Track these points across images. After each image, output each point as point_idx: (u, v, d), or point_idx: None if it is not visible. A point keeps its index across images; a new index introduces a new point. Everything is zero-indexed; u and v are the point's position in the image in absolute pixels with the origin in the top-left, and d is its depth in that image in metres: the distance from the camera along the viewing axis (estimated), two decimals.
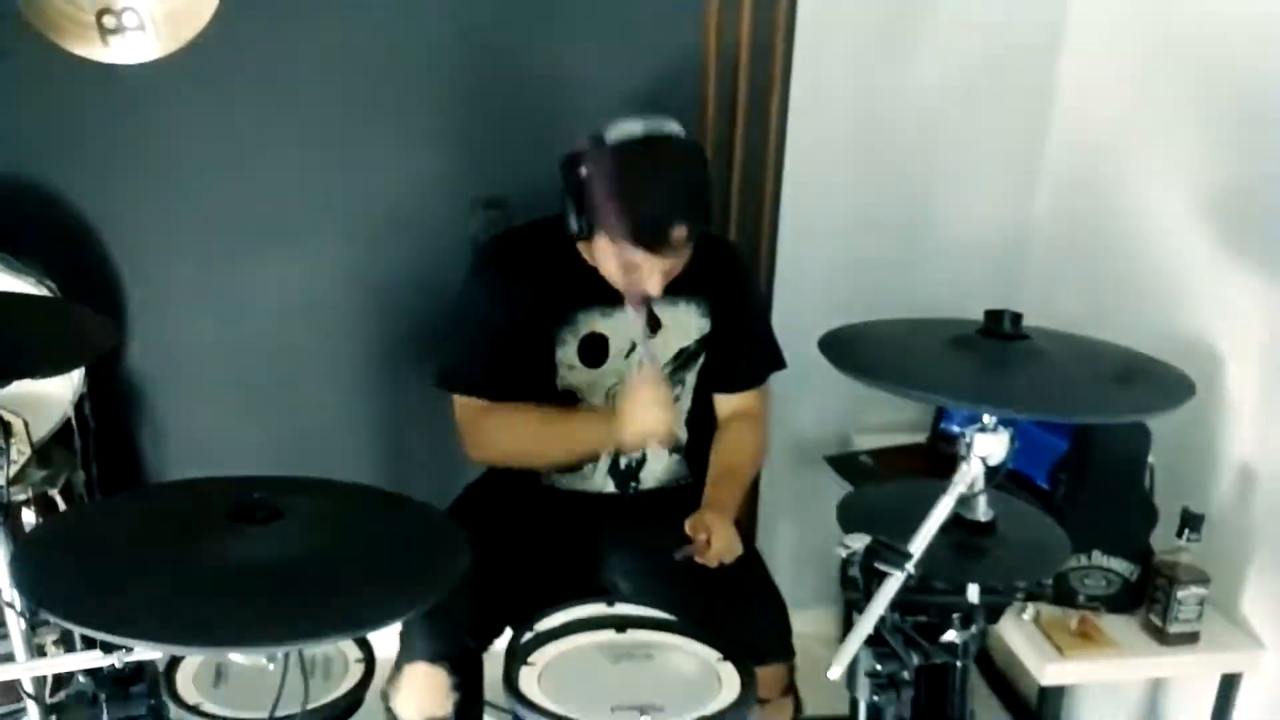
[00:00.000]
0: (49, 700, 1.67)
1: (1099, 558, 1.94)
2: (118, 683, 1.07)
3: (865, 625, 1.13)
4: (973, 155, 2.56)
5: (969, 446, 1.19)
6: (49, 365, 1.52)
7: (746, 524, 2.49)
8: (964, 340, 1.25)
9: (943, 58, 2.47)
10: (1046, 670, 1.85)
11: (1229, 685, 1.94)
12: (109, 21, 2.17)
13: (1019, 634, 1.92)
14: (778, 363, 2.05)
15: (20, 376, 1.39)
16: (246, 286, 2.41)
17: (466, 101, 2.35)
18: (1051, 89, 2.53)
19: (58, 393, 2.18)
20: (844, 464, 2.49)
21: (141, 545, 1.05)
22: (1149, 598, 1.92)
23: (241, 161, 2.32)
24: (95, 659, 1.05)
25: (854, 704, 1.24)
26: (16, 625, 1.46)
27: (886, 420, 2.69)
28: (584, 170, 1.73)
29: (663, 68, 2.35)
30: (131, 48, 2.20)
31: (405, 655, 1.73)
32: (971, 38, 2.47)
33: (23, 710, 2.01)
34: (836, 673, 1.13)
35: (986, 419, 1.18)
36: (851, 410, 2.70)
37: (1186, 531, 1.87)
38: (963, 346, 1.24)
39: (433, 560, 1.11)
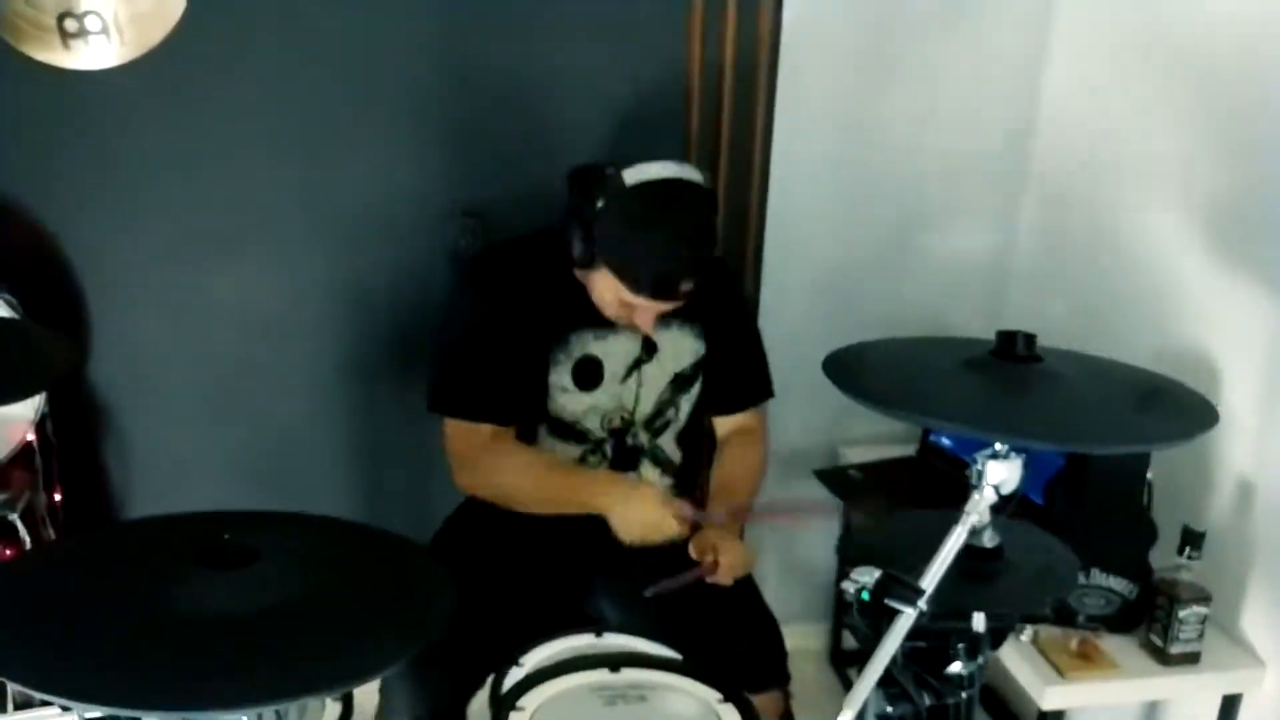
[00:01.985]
0: None
1: (1098, 576, 1.90)
2: None
3: (877, 666, 1.07)
4: (958, 169, 2.54)
5: (980, 474, 1.14)
6: (8, 390, 1.44)
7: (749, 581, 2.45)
8: (976, 363, 1.19)
9: (927, 72, 2.44)
10: (1046, 693, 1.80)
11: (1230, 705, 1.90)
12: (70, 25, 2.09)
13: (1017, 656, 1.87)
14: (765, 389, 2.03)
15: None
16: (214, 299, 2.34)
17: (443, 108, 2.29)
18: (1036, 102, 2.50)
19: (18, 412, 2.10)
20: (833, 478, 2.44)
21: (101, 596, 0.97)
22: (1149, 617, 1.88)
23: (208, 171, 2.26)
24: (54, 715, 0.97)
25: None
26: None
27: (874, 432, 2.65)
28: (600, 203, 1.68)
29: (647, 81, 2.30)
30: (94, 53, 2.12)
31: (386, 714, 1.68)
32: (956, 52, 2.44)
33: None
34: (849, 716, 1.06)
35: (998, 445, 1.12)
36: (838, 422, 2.67)
37: (1188, 549, 1.83)
38: (975, 369, 1.19)
39: (417, 605, 1.04)
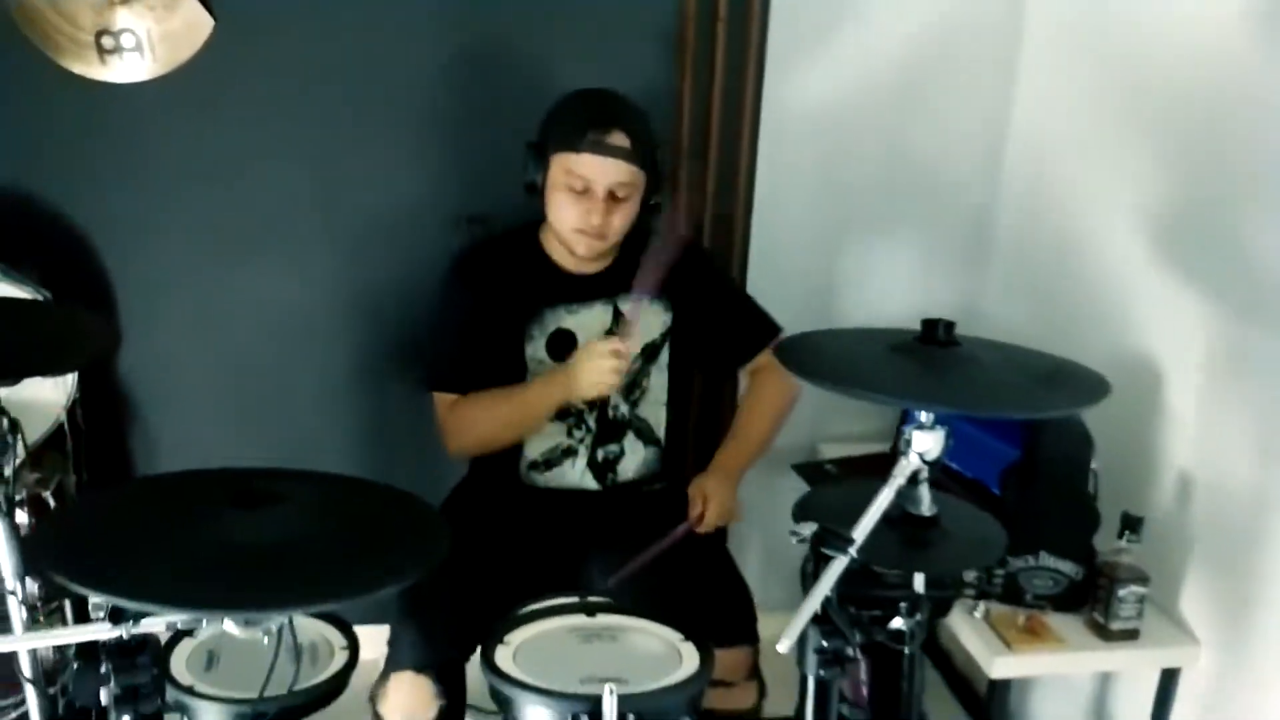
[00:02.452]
0: (48, 691, 1.74)
1: (1046, 559, 2.04)
2: (123, 653, 1.16)
3: (811, 603, 1.23)
4: (932, 171, 2.68)
5: (908, 443, 1.30)
6: (52, 365, 1.61)
7: (721, 538, 2.59)
8: (903, 347, 1.36)
9: (903, 74, 2.59)
10: (995, 663, 1.95)
11: (1169, 679, 2.04)
12: (107, 42, 2.26)
13: (970, 630, 2.02)
14: (770, 329, 2.19)
15: (25, 375, 1.48)
16: (236, 296, 2.50)
17: (451, 120, 2.45)
18: (1008, 105, 2.65)
19: (51, 398, 2.25)
20: (810, 471, 2.59)
21: (151, 525, 1.16)
22: (1092, 596, 2.02)
23: (232, 176, 2.42)
24: (104, 630, 1.14)
25: (803, 679, 1.34)
26: (18, 610, 1.55)
27: (852, 430, 2.80)
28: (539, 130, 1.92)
29: (641, 89, 2.45)
30: (128, 68, 2.29)
31: (392, 664, 1.83)
32: (930, 54, 2.59)
33: (22, 702, 2.10)
34: (785, 646, 1.23)
35: (924, 417, 1.28)
36: (819, 421, 2.81)
37: (1127, 533, 1.97)
38: (902, 352, 1.36)
39: (417, 542, 1.21)
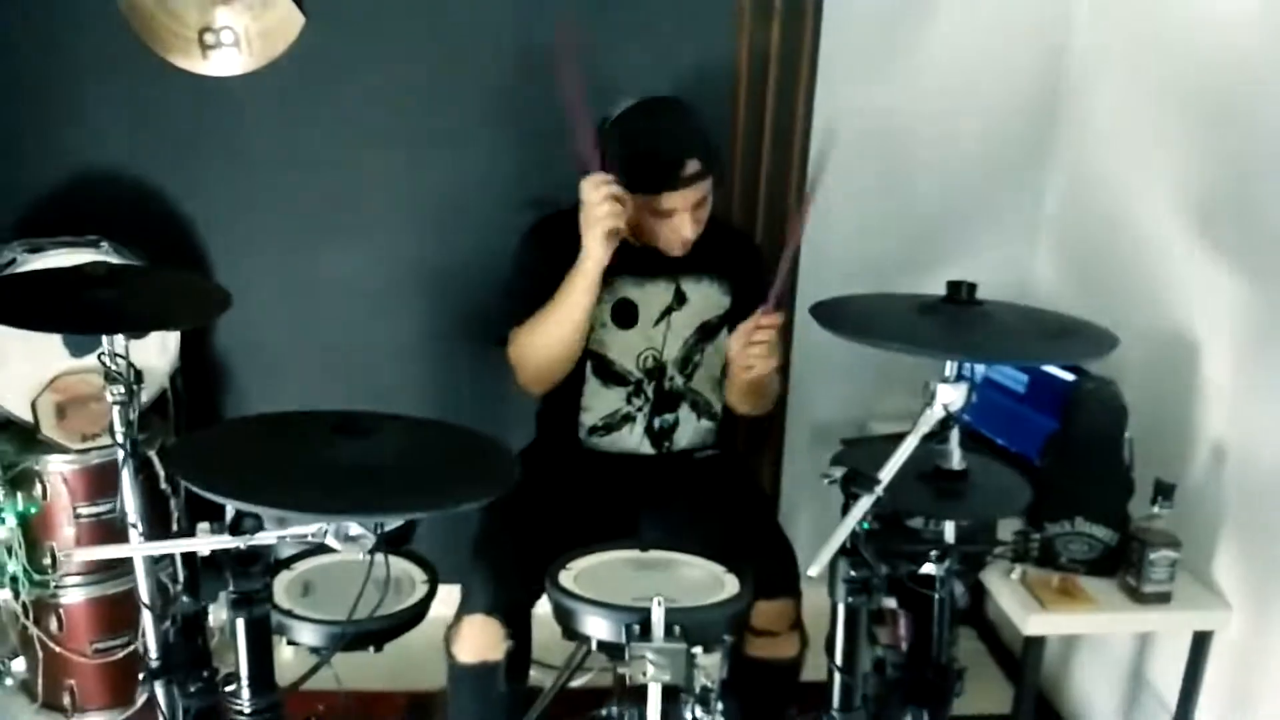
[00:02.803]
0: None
1: (1081, 524, 2.13)
2: (241, 562, 1.34)
3: (840, 535, 1.36)
4: (985, 160, 2.78)
5: (933, 395, 1.42)
6: (185, 318, 1.81)
7: (768, 501, 2.71)
8: (929, 306, 1.49)
9: (955, 69, 2.69)
10: (1029, 621, 2.04)
11: (1201, 642, 2.11)
12: (209, 38, 2.46)
13: (1007, 591, 2.12)
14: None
15: (164, 327, 1.68)
16: (320, 273, 2.69)
17: (518, 110, 2.61)
18: (1055, 97, 2.74)
19: (157, 365, 2.45)
20: (869, 456, 2.68)
21: (270, 447, 1.38)
22: (1126, 561, 2.11)
23: (319, 161, 2.61)
24: (226, 540, 1.32)
25: (834, 606, 1.48)
26: (138, 540, 1.74)
27: (902, 407, 2.87)
28: (601, 148, 1.97)
29: (699, 84, 2.58)
30: (227, 61, 2.49)
31: (464, 607, 1.97)
32: (979, 53, 2.69)
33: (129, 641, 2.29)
34: (815, 570, 1.36)
35: (948, 370, 1.41)
36: (870, 398, 2.90)
37: (1159, 499, 2.05)
38: (928, 311, 1.48)
39: (490, 471, 1.40)
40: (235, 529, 1.31)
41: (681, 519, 2.07)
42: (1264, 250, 2.04)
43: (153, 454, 2.41)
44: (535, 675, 2.15)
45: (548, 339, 2.06)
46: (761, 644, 2.01)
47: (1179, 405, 2.22)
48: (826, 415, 2.91)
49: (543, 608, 1.84)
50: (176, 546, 1.35)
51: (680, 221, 2.03)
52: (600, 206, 1.91)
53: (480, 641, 1.95)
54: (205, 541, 1.33)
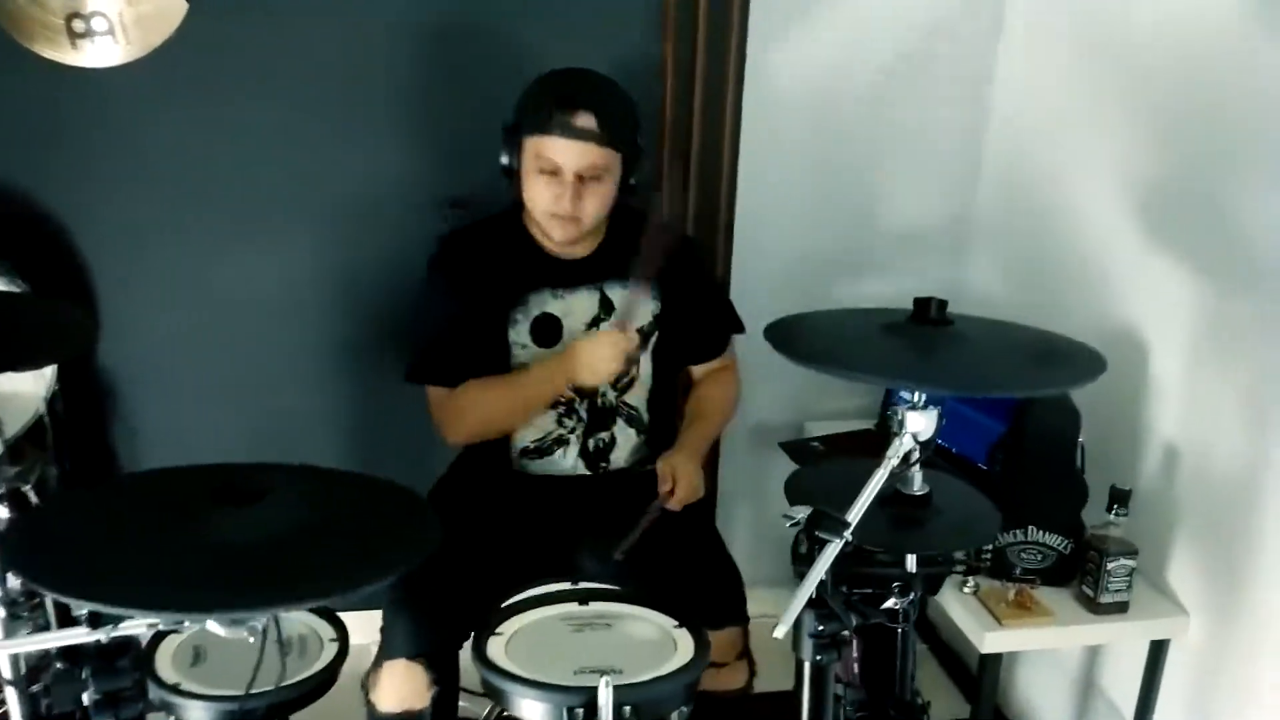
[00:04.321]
0: (29, 690, 1.72)
1: (1034, 533, 2.05)
2: (103, 657, 1.14)
3: (807, 588, 1.22)
4: (916, 150, 2.69)
5: (901, 424, 1.29)
6: (29, 359, 1.59)
7: (705, 505, 2.59)
8: (895, 327, 1.36)
9: (887, 53, 2.58)
10: (986, 639, 1.96)
11: (1158, 650, 2.05)
12: (78, 25, 2.22)
13: (960, 606, 2.03)
14: (736, 327, 2.18)
15: (7, 369, 1.45)
16: (215, 283, 2.47)
17: (429, 103, 2.43)
18: (989, 84, 2.65)
19: (30, 390, 2.23)
20: (796, 449, 2.59)
21: (129, 525, 1.13)
22: (1081, 570, 2.04)
23: (209, 162, 2.39)
24: (83, 634, 1.11)
25: (799, 664, 1.34)
26: None
27: (838, 408, 2.80)
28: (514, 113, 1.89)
29: (624, 69, 2.43)
30: (100, 52, 2.25)
31: (385, 652, 1.80)
32: (913, 34, 2.58)
33: (2, 703, 2.08)
34: (781, 632, 1.22)
35: (916, 397, 1.28)
36: (805, 399, 2.82)
37: (1115, 507, 1.99)
38: (894, 332, 1.35)
39: (406, 535, 1.20)
40: (95, 619, 1.10)
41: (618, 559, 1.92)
42: (1209, 245, 1.98)
43: (29, 489, 2.21)
44: (465, 706, 2.00)
45: (491, 421, 2.01)
46: (708, 676, 1.86)
47: (1127, 408, 2.15)
48: (762, 416, 2.80)
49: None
50: (14, 646, 1.14)
51: (562, 188, 1.89)
52: (610, 355, 1.87)
53: (403, 690, 1.78)
54: (57, 638, 1.12)
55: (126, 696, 1.18)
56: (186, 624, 1.10)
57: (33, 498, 2.19)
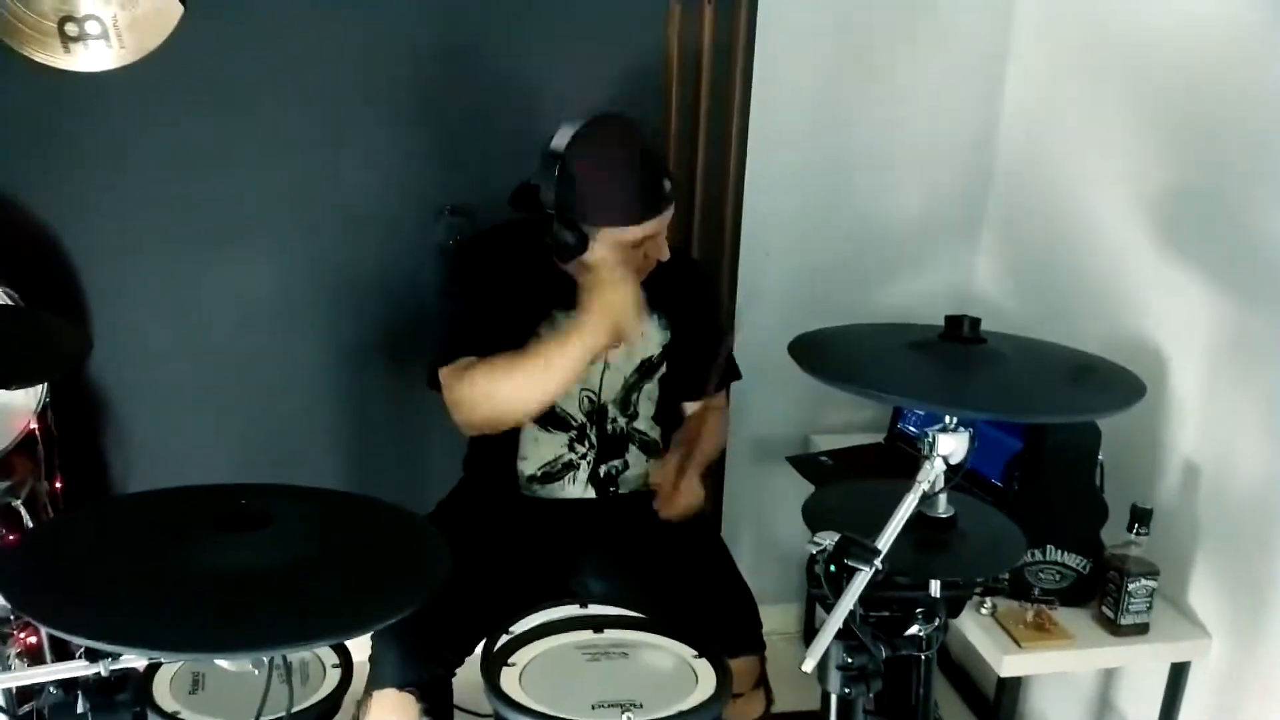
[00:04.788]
0: (18, 713, 1.66)
1: (1053, 552, 2.01)
2: (102, 690, 1.08)
3: (836, 619, 1.17)
4: (926, 164, 2.65)
5: (931, 446, 1.25)
6: (20, 376, 1.53)
7: (711, 521, 2.55)
8: (925, 345, 1.31)
9: (896, 71, 2.56)
10: (1005, 662, 1.91)
11: (1178, 673, 2.01)
12: (71, 29, 2.17)
13: (977, 627, 1.98)
14: (734, 375, 2.15)
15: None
16: (211, 291, 2.42)
17: (431, 110, 2.39)
18: (999, 97, 2.62)
19: (20, 403, 2.17)
20: (805, 464, 2.55)
21: (128, 552, 1.08)
22: (1101, 590, 1.99)
23: (205, 170, 2.34)
24: (81, 668, 1.06)
25: (825, 697, 1.29)
26: None
27: (845, 421, 2.76)
28: (554, 190, 1.79)
29: (626, 79, 2.39)
30: (94, 56, 2.20)
31: (375, 681, 1.74)
32: (923, 50, 2.55)
33: None
34: (810, 665, 1.17)
35: (947, 419, 1.23)
36: (812, 411, 2.78)
37: (1136, 526, 1.94)
38: (924, 350, 1.30)
39: (416, 566, 1.14)
40: (93, 652, 1.05)
41: (630, 569, 1.86)
42: (1227, 256, 1.95)
43: (19, 504, 2.15)
44: None
45: (511, 396, 1.82)
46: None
47: (1145, 422, 2.10)
48: (765, 430, 2.76)
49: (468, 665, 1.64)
50: (17, 680, 1.09)
51: (659, 245, 1.86)
52: (619, 296, 1.75)
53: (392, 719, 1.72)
54: (55, 671, 1.07)
55: None
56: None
57: (24, 514, 2.16)
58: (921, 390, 1.23)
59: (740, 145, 2.50)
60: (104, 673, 1.05)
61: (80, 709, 1.07)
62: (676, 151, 2.46)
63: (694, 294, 2.06)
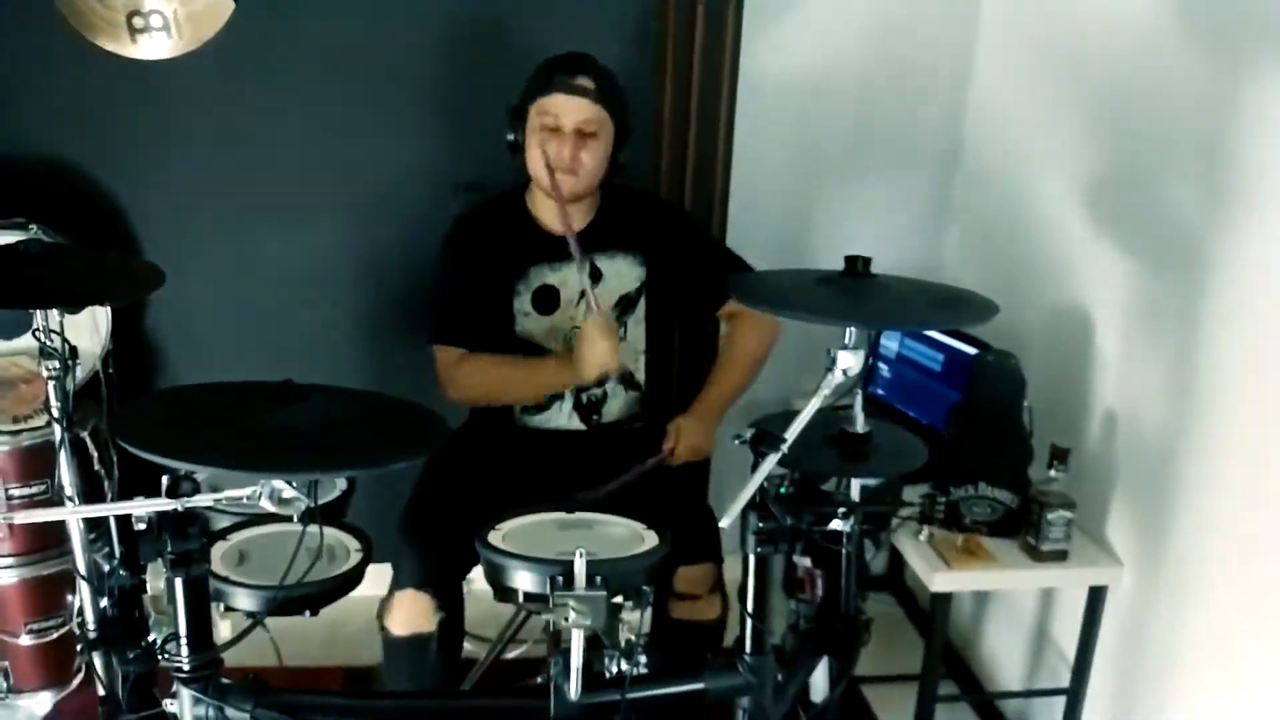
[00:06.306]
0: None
1: (984, 488, 2.25)
2: (177, 525, 1.40)
3: (749, 490, 1.46)
4: (900, 143, 2.90)
5: (833, 360, 1.53)
6: (119, 293, 1.90)
7: (699, 469, 2.80)
8: (830, 279, 1.60)
9: (872, 59, 2.81)
10: (935, 578, 2.16)
11: (1096, 597, 2.24)
12: (138, 22, 2.49)
13: (914, 551, 2.24)
14: (743, 267, 2.34)
15: (99, 302, 1.78)
16: (254, 260, 2.73)
17: (449, 94, 2.67)
18: (966, 86, 2.87)
19: (88, 348, 2.46)
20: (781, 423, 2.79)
21: (205, 414, 1.45)
22: (1025, 521, 2.24)
23: (249, 146, 2.64)
24: (165, 503, 1.37)
25: (744, 557, 1.58)
26: (77, 528, 1.79)
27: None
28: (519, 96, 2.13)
29: (623, 63, 2.64)
30: (156, 45, 2.51)
31: (396, 583, 2.05)
32: (895, 41, 2.81)
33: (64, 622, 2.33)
34: (726, 522, 1.46)
35: (847, 338, 1.51)
36: (792, 378, 3.02)
37: (1055, 463, 2.19)
38: (829, 284, 1.60)
39: (420, 430, 1.50)
40: (172, 493, 1.36)
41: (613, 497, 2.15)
42: (1150, 230, 2.18)
43: (85, 435, 2.45)
44: (470, 648, 2.23)
45: (496, 393, 2.26)
46: (684, 607, 2.11)
47: (1074, 375, 2.36)
48: (754, 394, 2.99)
49: (476, 581, 1.93)
50: (113, 510, 1.40)
51: (562, 141, 2.11)
52: (600, 347, 2.06)
53: (412, 614, 2.02)
54: (142, 504, 1.38)
55: (196, 559, 1.44)
56: (245, 499, 1.34)
57: (89, 443, 2.47)
58: (824, 310, 1.51)
59: (729, 122, 2.74)
60: (180, 509, 1.37)
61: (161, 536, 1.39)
62: (670, 135, 2.71)
63: (667, 227, 2.32)
